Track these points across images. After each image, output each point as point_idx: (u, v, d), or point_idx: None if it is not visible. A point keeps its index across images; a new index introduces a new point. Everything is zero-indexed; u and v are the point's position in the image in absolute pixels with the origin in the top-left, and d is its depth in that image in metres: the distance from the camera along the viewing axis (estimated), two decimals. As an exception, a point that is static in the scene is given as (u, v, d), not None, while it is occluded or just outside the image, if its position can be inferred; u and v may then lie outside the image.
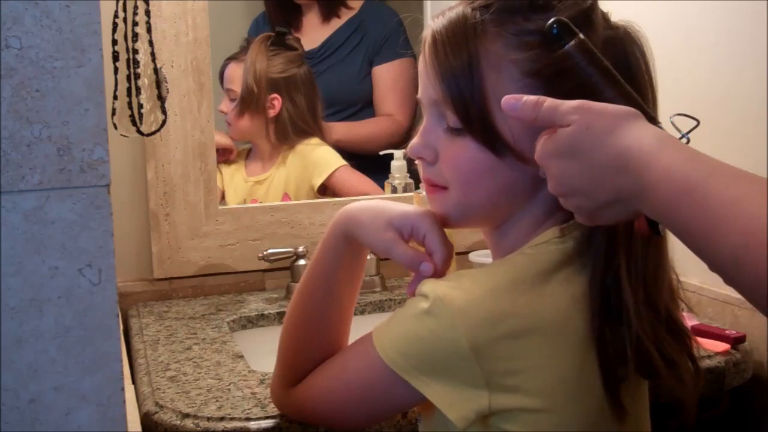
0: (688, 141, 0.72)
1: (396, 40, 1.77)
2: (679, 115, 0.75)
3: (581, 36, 0.73)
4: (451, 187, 0.82)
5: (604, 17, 0.81)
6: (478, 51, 0.78)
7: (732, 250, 0.59)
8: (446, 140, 0.81)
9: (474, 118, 0.78)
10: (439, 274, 0.81)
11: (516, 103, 0.73)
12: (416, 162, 0.86)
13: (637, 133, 0.66)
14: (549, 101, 0.71)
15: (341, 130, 1.80)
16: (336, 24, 1.85)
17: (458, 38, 0.79)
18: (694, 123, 0.74)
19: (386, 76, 1.83)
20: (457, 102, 0.78)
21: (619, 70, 0.74)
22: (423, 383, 0.75)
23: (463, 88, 0.78)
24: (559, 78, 0.75)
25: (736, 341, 1.19)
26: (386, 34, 1.81)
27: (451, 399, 0.75)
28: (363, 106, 1.85)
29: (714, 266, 0.62)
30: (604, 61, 0.73)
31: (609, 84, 0.72)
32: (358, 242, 0.87)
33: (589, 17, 0.78)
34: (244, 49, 1.73)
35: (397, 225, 0.83)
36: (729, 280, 0.61)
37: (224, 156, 1.74)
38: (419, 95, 0.84)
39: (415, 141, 0.84)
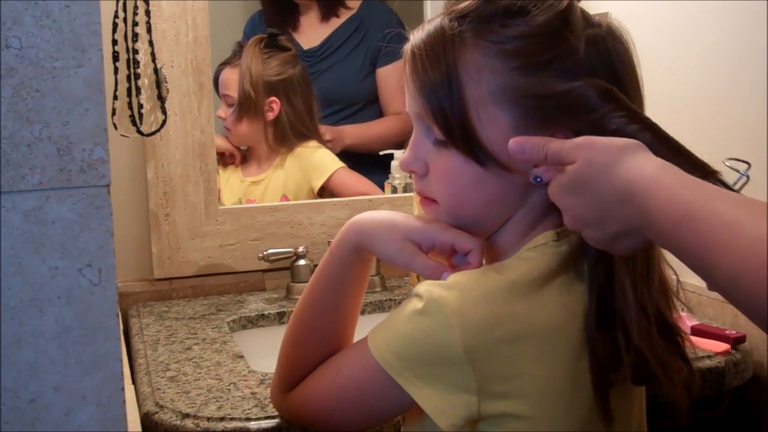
0: (748, 179, 0.75)
1: (398, 40, 1.77)
2: (731, 159, 0.77)
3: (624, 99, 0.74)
4: (440, 201, 0.82)
5: (585, 16, 0.80)
6: (457, 62, 0.77)
7: (730, 271, 0.61)
8: (434, 153, 0.81)
9: (456, 130, 0.78)
10: (479, 265, 0.81)
11: (523, 145, 0.74)
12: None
13: (638, 164, 0.68)
14: (555, 142, 0.73)
15: (353, 133, 1.80)
16: (335, 23, 1.85)
17: (436, 51, 0.78)
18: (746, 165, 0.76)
19: (392, 75, 1.82)
20: (438, 115, 0.78)
21: (604, 69, 0.75)
22: (415, 387, 0.75)
23: (443, 101, 0.78)
24: (551, 107, 0.75)
25: (736, 341, 1.19)
26: (387, 34, 1.81)
27: (442, 405, 0.74)
28: (364, 104, 1.85)
29: (714, 287, 0.64)
30: (643, 116, 0.74)
31: (659, 142, 0.72)
32: (369, 254, 0.87)
33: (567, 18, 0.78)
34: (237, 54, 1.72)
35: (416, 238, 0.83)
36: (729, 300, 0.63)
37: (231, 160, 1.74)
38: (406, 109, 0.84)
39: (406, 154, 0.84)
